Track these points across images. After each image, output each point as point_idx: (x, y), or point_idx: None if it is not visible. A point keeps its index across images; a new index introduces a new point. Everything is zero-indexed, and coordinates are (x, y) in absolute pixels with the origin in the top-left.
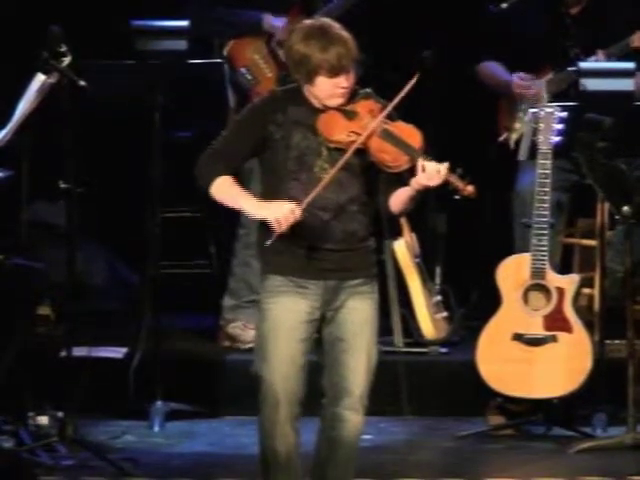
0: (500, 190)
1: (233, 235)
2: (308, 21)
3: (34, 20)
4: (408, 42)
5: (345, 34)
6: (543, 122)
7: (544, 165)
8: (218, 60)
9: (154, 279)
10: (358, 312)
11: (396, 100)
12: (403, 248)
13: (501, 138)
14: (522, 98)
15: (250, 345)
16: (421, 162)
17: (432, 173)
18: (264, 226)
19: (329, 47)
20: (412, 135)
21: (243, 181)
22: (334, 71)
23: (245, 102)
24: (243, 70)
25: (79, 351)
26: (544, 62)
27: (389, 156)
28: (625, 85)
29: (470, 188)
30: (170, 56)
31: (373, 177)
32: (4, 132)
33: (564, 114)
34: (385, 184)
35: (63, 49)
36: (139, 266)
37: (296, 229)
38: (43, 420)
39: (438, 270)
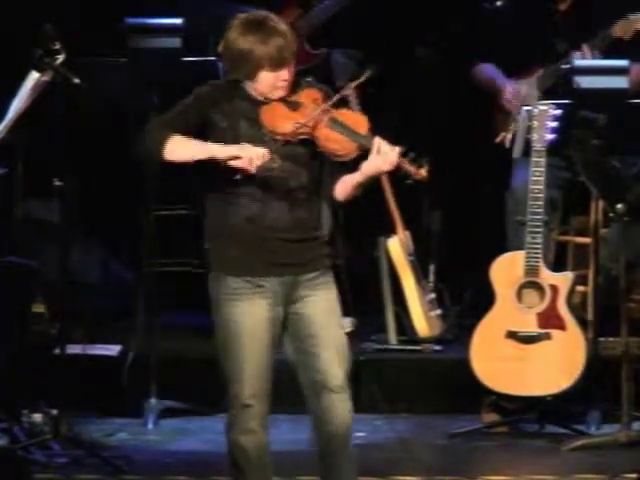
0: (494, 188)
1: None
2: (243, 15)
3: (28, 18)
4: (405, 41)
5: (283, 26)
6: (537, 120)
7: (538, 163)
8: (212, 58)
9: (148, 277)
10: (320, 304)
11: (344, 92)
12: (397, 246)
13: (498, 139)
14: (509, 109)
15: None
16: (377, 143)
17: (386, 155)
18: (212, 216)
19: (268, 40)
20: (359, 122)
21: None
22: (276, 64)
23: None
24: None
25: (73, 349)
26: (535, 59)
27: (338, 145)
28: (619, 82)
29: (422, 172)
30: (164, 54)
31: (319, 165)
32: None
33: (558, 112)
34: (330, 171)
35: (57, 47)
36: (134, 264)
37: (248, 218)
38: (37, 418)
39: (432, 268)
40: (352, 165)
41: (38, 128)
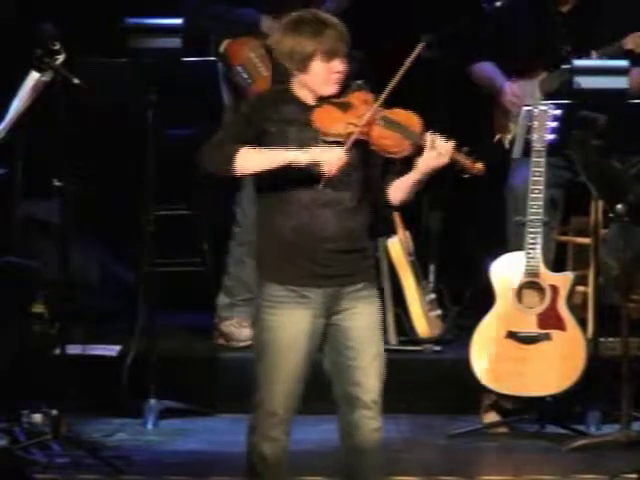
0: (494, 188)
1: (228, 233)
2: (294, 13)
3: (28, 18)
4: (405, 41)
5: (334, 19)
6: (537, 120)
7: (538, 163)
8: (212, 58)
9: (148, 277)
10: (363, 317)
11: (392, 84)
12: (397, 246)
13: (496, 138)
14: (511, 110)
15: (244, 343)
16: (430, 138)
17: (441, 150)
18: (260, 225)
19: (322, 30)
20: (411, 119)
21: (239, 180)
22: (329, 54)
23: (241, 100)
24: (239, 69)
25: (73, 349)
26: (536, 62)
27: (391, 142)
28: (619, 83)
29: (479, 165)
30: (164, 54)
31: (370, 171)
32: None
33: (558, 112)
34: (382, 177)
35: (57, 47)
36: (133, 264)
37: (295, 227)
38: (37, 418)
39: (432, 268)
40: (402, 169)
41: (38, 128)
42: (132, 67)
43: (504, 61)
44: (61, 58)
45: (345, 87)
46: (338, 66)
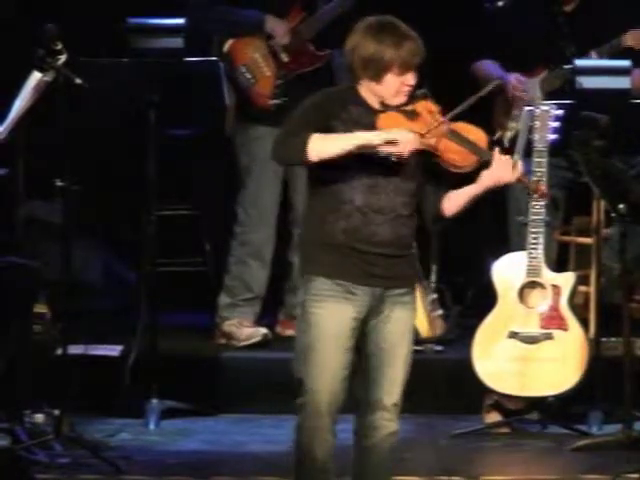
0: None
1: (229, 232)
2: (371, 18)
3: (30, 18)
4: None
5: (413, 31)
6: (539, 120)
7: (540, 163)
8: (214, 58)
9: (150, 277)
10: (400, 322)
11: (465, 104)
12: None
13: (496, 136)
14: (517, 99)
15: (245, 342)
16: (497, 155)
17: (508, 167)
18: (310, 222)
19: (402, 43)
20: (477, 134)
21: (240, 179)
22: (405, 67)
23: (244, 100)
24: (242, 68)
25: (75, 349)
26: (538, 61)
27: (458, 156)
28: (621, 83)
29: (543, 188)
30: (166, 54)
31: (422, 182)
32: (0, 129)
33: (560, 112)
34: (436, 187)
35: (59, 47)
36: (135, 264)
37: (346, 229)
38: (39, 418)
39: (433, 268)
40: (453, 180)
41: (40, 128)
42: (134, 67)
43: (506, 60)
44: (63, 58)
45: (410, 95)
46: (410, 80)
